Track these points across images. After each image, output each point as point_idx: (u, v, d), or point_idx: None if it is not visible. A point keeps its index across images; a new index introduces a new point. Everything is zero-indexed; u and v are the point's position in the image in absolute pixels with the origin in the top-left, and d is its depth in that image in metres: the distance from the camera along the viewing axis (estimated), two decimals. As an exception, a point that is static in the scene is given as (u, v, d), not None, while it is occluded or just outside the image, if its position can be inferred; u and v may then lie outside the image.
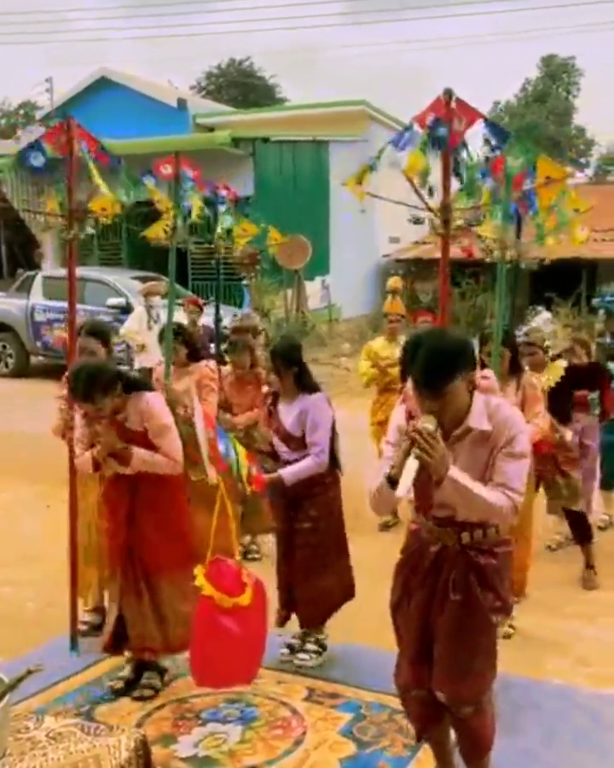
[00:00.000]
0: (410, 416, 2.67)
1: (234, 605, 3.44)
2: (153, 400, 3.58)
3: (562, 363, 5.05)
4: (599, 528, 5.91)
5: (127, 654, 3.78)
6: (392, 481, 2.43)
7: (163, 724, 3.45)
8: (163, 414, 3.59)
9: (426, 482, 2.58)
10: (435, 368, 2.49)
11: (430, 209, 3.64)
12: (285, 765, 3.15)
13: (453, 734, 2.92)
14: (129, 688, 3.70)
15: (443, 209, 3.52)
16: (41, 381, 11.50)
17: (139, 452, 3.49)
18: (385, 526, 6.15)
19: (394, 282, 6.78)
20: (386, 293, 6.53)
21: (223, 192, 5.06)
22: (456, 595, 2.66)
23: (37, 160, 3.80)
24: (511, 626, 4.30)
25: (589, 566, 5.14)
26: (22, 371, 13.37)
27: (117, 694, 3.67)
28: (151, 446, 3.54)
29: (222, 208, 5.12)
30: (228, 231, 5.50)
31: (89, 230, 3.94)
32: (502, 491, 2.53)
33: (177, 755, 3.22)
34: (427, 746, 3.17)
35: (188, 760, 3.19)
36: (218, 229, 5.31)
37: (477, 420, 2.57)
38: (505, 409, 2.65)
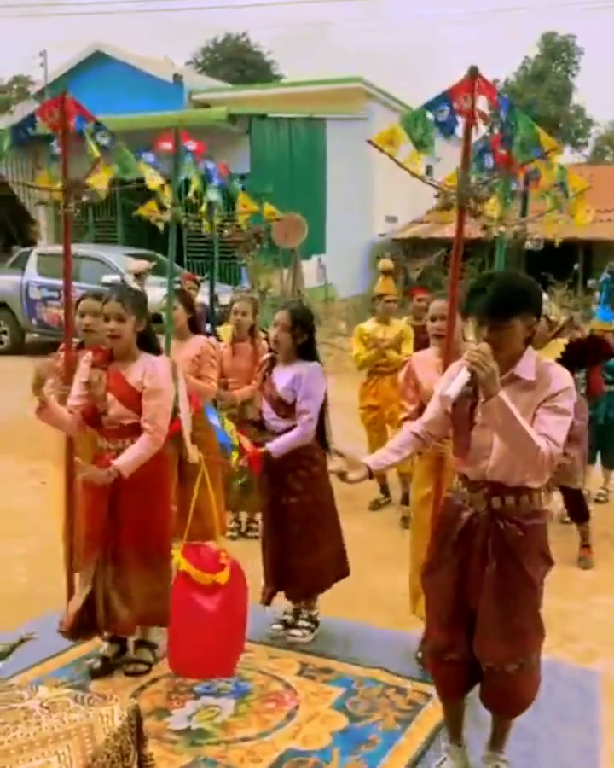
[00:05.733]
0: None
1: (212, 582, 3.45)
2: (162, 363, 3.61)
3: (562, 340, 4.88)
4: (598, 501, 6.01)
5: (106, 633, 3.70)
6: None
7: (156, 698, 3.49)
8: (166, 379, 3.57)
9: (465, 425, 2.66)
10: (504, 297, 2.55)
11: (436, 187, 3.61)
12: (277, 738, 3.20)
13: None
14: (108, 667, 3.68)
15: (461, 183, 3.47)
16: (36, 358, 11.47)
17: (120, 462, 3.38)
18: (376, 505, 6.17)
19: (386, 263, 6.57)
20: (380, 274, 6.38)
21: (212, 165, 5.03)
22: (494, 562, 2.67)
23: (28, 134, 3.79)
24: None
25: (585, 545, 5.07)
26: (17, 349, 13.38)
27: (94, 675, 3.61)
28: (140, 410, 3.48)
29: (214, 184, 5.09)
30: (229, 205, 5.45)
31: (85, 199, 3.92)
32: (545, 439, 2.50)
33: (171, 728, 3.26)
34: (418, 722, 3.25)
35: (182, 733, 3.23)
36: (203, 206, 5.29)
37: (524, 370, 2.62)
38: (555, 367, 2.68)
